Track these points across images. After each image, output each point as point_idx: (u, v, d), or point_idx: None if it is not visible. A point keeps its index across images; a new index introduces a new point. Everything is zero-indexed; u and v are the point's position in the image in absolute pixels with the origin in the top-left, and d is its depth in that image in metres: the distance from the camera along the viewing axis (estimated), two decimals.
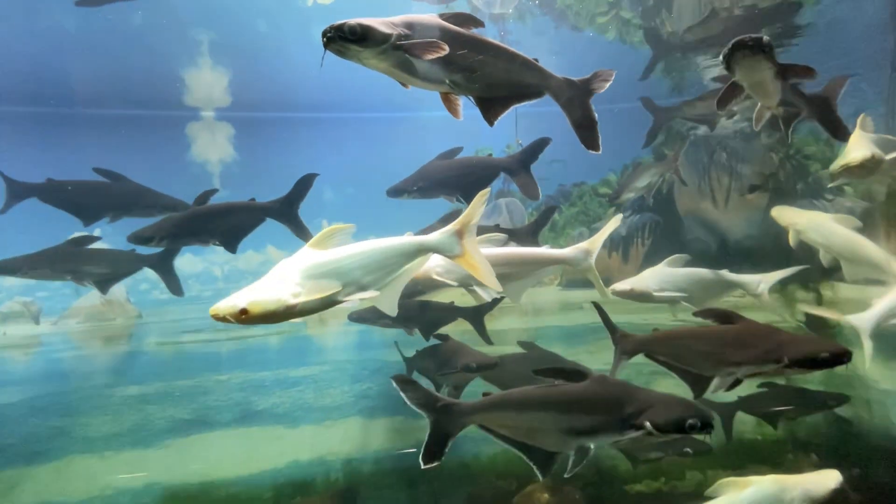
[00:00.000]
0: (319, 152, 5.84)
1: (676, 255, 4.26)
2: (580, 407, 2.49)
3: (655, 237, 6.01)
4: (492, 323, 5.05)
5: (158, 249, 4.37)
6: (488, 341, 4.55)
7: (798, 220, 3.98)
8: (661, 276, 4.13)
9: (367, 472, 5.53)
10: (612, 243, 6.21)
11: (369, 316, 4.46)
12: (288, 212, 4.20)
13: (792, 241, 3.96)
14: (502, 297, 4.80)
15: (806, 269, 4.30)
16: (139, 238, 4.01)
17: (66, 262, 3.64)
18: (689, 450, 4.07)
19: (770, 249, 4.96)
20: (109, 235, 4.95)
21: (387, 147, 5.91)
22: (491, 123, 2.54)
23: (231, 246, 4.28)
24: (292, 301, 2.08)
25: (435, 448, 2.58)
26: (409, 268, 2.45)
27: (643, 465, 4.58)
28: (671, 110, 4.93)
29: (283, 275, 2.17)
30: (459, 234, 2.49)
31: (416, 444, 5.82)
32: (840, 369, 4.81)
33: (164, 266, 4.59)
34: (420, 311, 4.50)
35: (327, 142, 5.91)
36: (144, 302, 5.35)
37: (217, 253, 5.78)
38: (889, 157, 3.21)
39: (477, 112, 6.53)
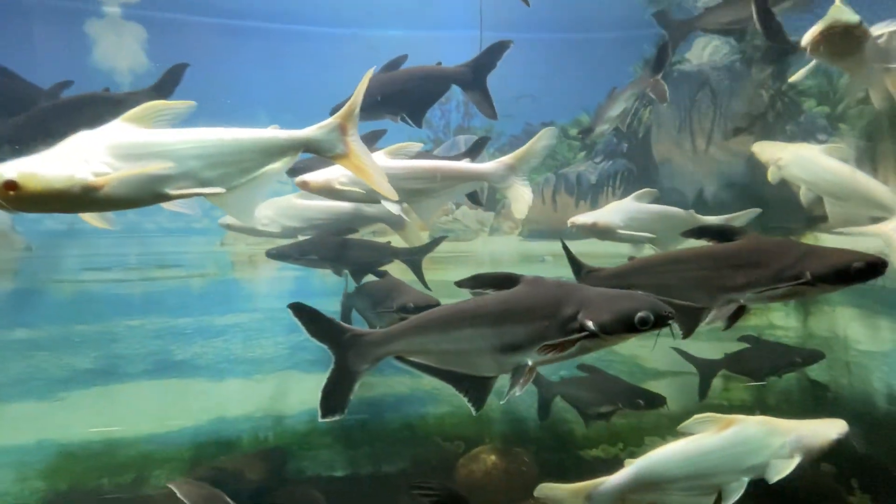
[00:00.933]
0: (253, 69, 5.01)
1: (645, 190, 3.81)
2: (511, 316, 2.01)
3: (628, 186, 5.50)
4: (442, 273, 4.54)
5: None
6: (426, 286, 4.04)
7: (781, 155, 3.50)
8: (627, 210, 3.66)
9: (301, 431, 5.01)
10: (580, 191, 5.68)
11: (291, 252, 3.84)
12: None
13: (771, 177, 3.50)
14: (443, 238, 4.31)
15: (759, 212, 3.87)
16: None
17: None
18: (641, 401, 3.74)
19: (751, 201, 4.52)
20: None
21: (332, 68, 5.12)
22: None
23: None
24: (92, 180, 1.56)
25: (338, 391, 2.11)
26: (272, 168, 2.03)
27: (595, 420, 4.19)
28: (690, 22, 4.20)
29: (83, 148, 1.64)
30: (342, 128, 2.04)
31: (357, 401, 5.30)
32: (820, 328, 4.53)
33: None
34: (349, 250, 3.93)
35: (262, 58, 5.08)
36: (34, 232, 4.54)
37: None
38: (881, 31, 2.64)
39: (434, 35, 5.71)
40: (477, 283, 2.11)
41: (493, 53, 3.58)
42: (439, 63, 3.77)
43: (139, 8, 4.57)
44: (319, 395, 2.14)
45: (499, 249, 5.63)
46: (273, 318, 5.11)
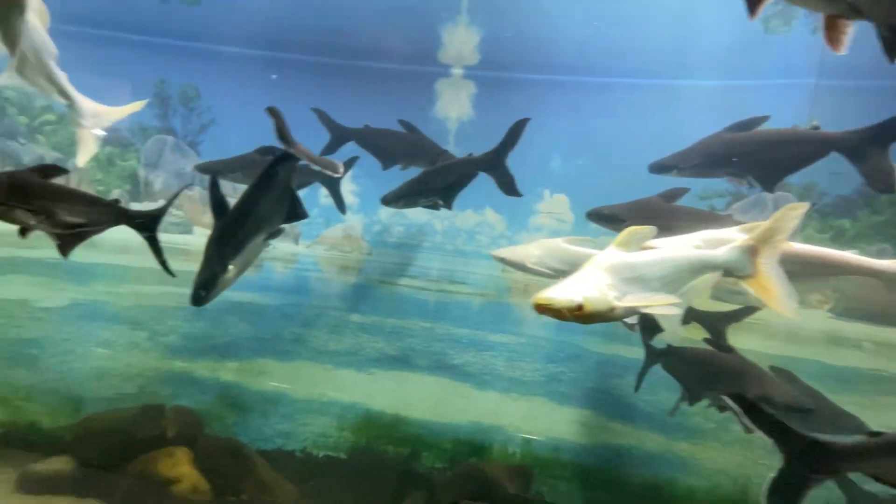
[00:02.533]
0: (553, 117, 5.49)
1: None
2: None
3: None
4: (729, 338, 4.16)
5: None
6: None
7: None
8: None
9: (544, 458, 5.29)
10: None
11: None
12: (497, 163, 4.07)
13: None
14: (755, 308, 3.88)
15: None
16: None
17: (256, 169, 4.01)
18: None
19: None
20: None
21: (630, 117, 5.25)
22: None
23: (448, 202, 4.43)
24: (615, 304, 2.03)
25: (786, 493, 2.02)
26: (693, 287, 2.27)
27: None
28: None
29: (600, 274, 2.10)
30: (753, 251, 2.15)
31: (600, 445, 5.34)
32: None
33: (333, 185, 5.11)
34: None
35: (562, 107, 5.51)
36: (376, 242, 5.93)
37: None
38: None
39: (751, 83, 5.27)
40: None
41: None
42: (815, 126, 3.39)
43: (476, 68, 5.52)
44: (767, 494, 2.10)
45: (798, 323, 4.86)
46: (535, 344, 5.54)
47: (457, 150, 5.47)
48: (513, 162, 4.54)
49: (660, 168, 3.78)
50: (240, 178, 4.74)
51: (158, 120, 5.89)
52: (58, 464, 4.73)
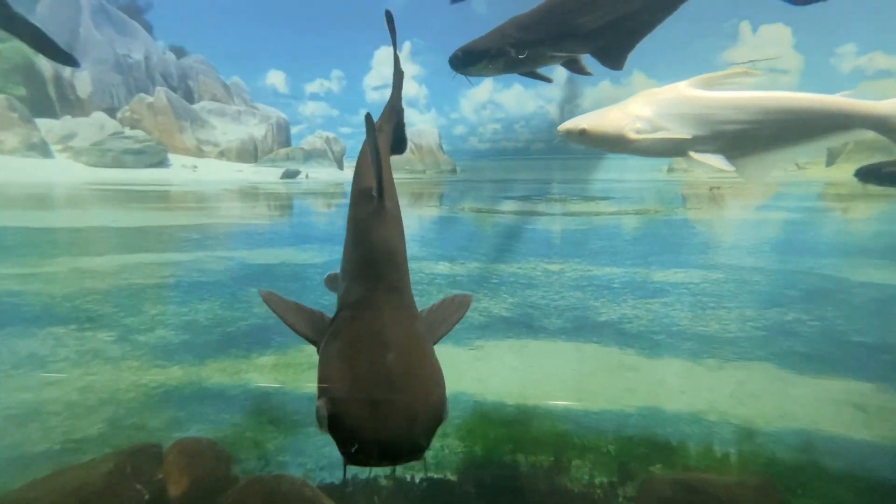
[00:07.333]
0: None
1: None
2: None
3: None
4: None
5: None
6: None
7: None
8: None
9: (786, 462, 3.28)
10: None
11: None
12: None
13: None
14: None
15: None
16: None
17: None
18: None
19: None
20: None
21: None
22: None
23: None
24: (631, 135, 1.93)
25: None
26: (823, 142, 1.89)
27: None
28: None
29: (640, 105, 1.95)
30: None
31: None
32: None
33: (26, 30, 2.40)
34: None
35: None
36: (460, 152, 3.91)
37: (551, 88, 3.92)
38: None
39: None
40: None
41: None
42: None
43: None
44: None
45: None
46: (743, 280, 3.46)
47: None
48: None
49: (464, 59, 2.36)
50: None
51: None
52: None
